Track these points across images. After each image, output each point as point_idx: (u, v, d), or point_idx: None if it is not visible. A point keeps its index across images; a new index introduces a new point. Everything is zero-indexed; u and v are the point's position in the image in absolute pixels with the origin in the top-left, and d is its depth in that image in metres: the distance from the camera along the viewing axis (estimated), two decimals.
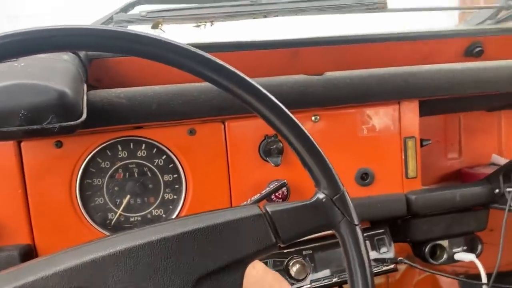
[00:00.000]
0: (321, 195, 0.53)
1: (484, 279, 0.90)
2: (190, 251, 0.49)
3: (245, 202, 0.78)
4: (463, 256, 0.95)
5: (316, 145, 0.52)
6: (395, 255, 0.93)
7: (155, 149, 0.82)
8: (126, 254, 0.48)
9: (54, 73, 0.68)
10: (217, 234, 0.50)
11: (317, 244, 0.89)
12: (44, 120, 0.65)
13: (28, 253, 0.76)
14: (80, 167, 0.79)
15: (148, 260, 0.49)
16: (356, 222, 0.53)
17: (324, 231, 0.54)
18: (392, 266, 0.92)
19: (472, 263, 0.95)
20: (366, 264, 0.53)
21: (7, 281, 0.47)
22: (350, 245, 0.53)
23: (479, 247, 0.99)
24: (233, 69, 0.50)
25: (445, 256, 0.97)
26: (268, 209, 0.53)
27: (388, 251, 0.92)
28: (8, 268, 0.52)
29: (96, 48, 0.45)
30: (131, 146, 0.82)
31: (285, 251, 0.88)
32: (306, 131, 0.52)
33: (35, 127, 0.64)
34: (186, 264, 0.49)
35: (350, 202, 0.53)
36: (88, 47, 0.46)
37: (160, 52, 0.47)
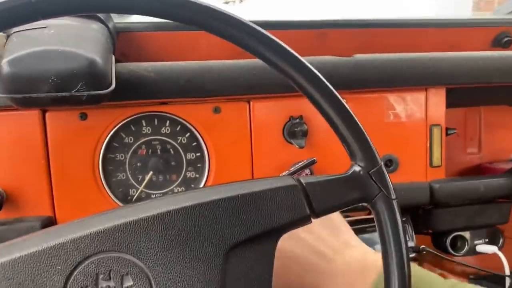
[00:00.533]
0: (357, 168, 0.52)
1: (507, 270, 0.88)
2: (224, 218, 0.48)
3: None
4: (485, 248, 0.94)
5: (355, 117, 0.51)
6: (416, 244, 0.91)
7: (179, 126, 0.82)
8: (159, 219, 0.47)
9: (85, 41, 0.68)
10: (252, 202, 0.49)
11: None
12: (73, 88, 0.64)
13: (49, 225, 0.76)
14: (104, 141, 0.78)
15: (181, 226, 0.48)
16: (393, 197, 0.51)
17: (358, 204, 0.53)
18: (413, 255, 0.90)
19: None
20: (402, 240, 0.51)
21: (38, 242, 0.46)
22: (386, 220, 0.51)
23: (501, 240, 0.97)
24: (276, 39, 0.49)
25: (466, 247, 0.95)
26: (302, 180, 0.51)
27: (409, 240, 0.90)
28: (39, 231, 0.51)
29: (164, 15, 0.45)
30: (155, 122, 0.81)
31: None
32: (344, 102, 0.51)
33: (63, 94, 0.64)
34: (220, 231, 0.48)
35: (388, 176, 0.52)
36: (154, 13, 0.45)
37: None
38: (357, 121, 0.51)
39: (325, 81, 0.50)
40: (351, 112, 0.51)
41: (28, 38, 0.66)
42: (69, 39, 0.67)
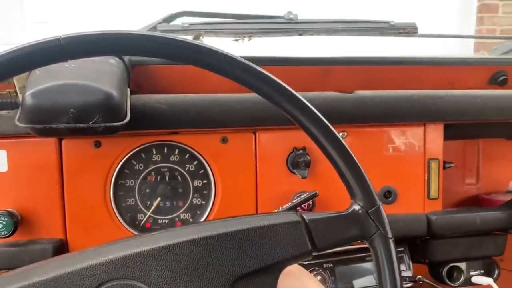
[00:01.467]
0: (356, 207, 0.55)
1: None
2: (230, 251, 0.52)
3: (276, 210, 0.80)
4: (481, 280, 0.96)
5: (355, 158, 0.54)
6: (413, 274, 0.94)
7: (187, 155, 0.85)
8: (169, 250, 0.51)
9: (102, 75, 0.72)
10: (257, 236, 0.52)
11: (338, 258, 0.91)
12: (90, 120, 0.68)
13: (61, 248, 0.79)
14: (116, 167, 0.82)
15: (190, 257, 0.51)
16: (390, 236, 0.55)
17: (356, 241, 0.56)
18: (410, 284, 0.93)
19: None
20: (397, 277, 0.54)
21: (56, 268, 0.49)
22: (382, 258, 0.54)
23: (496, 271, 1.00)
24: (276, 79, 0.52)
25: (462, 278, 0.98)
26: (305, 217, 0.55)
27: (406, 270, 0.93)
28: (55, 257, 0.54)
29: (169, 57, 0.49)
30: (165, 151, 0.85)
31: (306, 262, 0.89)
32: (345, 144, 0.54)
33: (81, 125, 0.68)
34: (226, 263, 0.51)
35: (385, 216, 0.55)
36: (158, 55, 0.50)
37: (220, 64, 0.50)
38: (357, 162, 0.54)
39: (325, 121, 0.54)
40: (351, 153, 0.54)
41: (49, 71, 0.70)
42: (88, 73, 0.71)
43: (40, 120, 0.67)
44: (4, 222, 0.74)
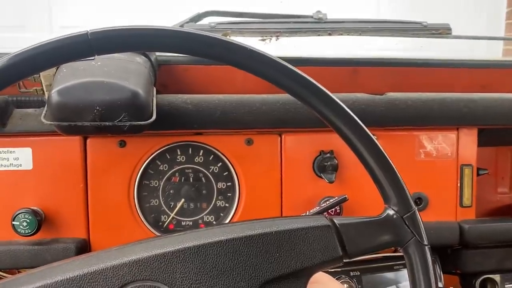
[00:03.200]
0: (391, 212, 0.52)
1: None
2: (257, 254, 0.50)
3: (304, 214, 0.78)
4: None
5: (390, 160, 0.52)
6: (444, 285, 0.90)
7: (212, 156, 0.84)
8: (195, 252, 0.49)
9: (129, 73, 0.71)
10: (285, 240, 0.50)
11: (365, 266, 0.87)
12: (116, 118, 0.67)
13: (84, 247, 0.78)
14: (140, 168, 0.81)
15: (216, 260, 0.49)
16: (426, 243, 0.52)
17: (389, 248, 0.54)
18: None
19: None
20: (433, 286, 0.51)
21: (79, 267, 0.48)
22: (417, 266, 0.52)
23: None
24: (312, 80, 0.51)
25: None
26: (336, 221, 0.52)
27: (438, 280, 0.89)
28: (79, 255, 0.53)
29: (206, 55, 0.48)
30: (190, 151, 0.83)
31: (332, 270, 0.86)
32: (380, 146, 0.52)
33: (107, 123, 0.67)
34: (253, 267, 0.49)
35: (421, 221, 0.52)
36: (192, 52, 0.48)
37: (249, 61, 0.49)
38: (393, 165, 0.52)
39: (360, 122, 0.52)
40: (387, 156, 0.52)
41: (76, 69, 0.70)
42: (115, 71, 0.70)
43: (66, 117, 0.67)
44: (28, 221, 0.74)
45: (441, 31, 0.90)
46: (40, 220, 0.76)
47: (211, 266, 0.49)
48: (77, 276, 0.47)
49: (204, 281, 0.48)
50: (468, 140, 0.89)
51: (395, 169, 0.52)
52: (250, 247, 0.49)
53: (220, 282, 0.49)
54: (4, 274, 0.82)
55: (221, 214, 0.85)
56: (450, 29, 0.92)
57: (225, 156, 0.83)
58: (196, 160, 0.84)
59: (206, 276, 0.49)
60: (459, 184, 0.89)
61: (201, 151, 0.84)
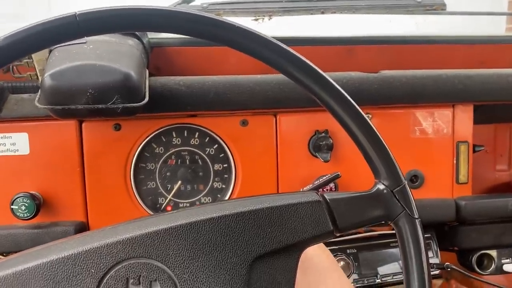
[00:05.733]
0: (381, 186, 0.53)
1: None
2: (249, 230, 0.50)
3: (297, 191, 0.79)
4: None
5: (379, 135, 0.52)
6: (441, 261, 0.91)
7: (207, 138, 0.84)
8: (187, 229, 0.50)
9: (121, 56, 0.71)
10: (277, 216, 0.51)
11: (362, 243, 0.88)
12: (109, 100, 0.68)
13: (82, 230, 0.79)
14: (136, 151, 0.81)
15: (208, 236, 0.50)
16: (416, 216, 0.52)
17: (380, 222, 0.54)
18: (437, 272, 0.90)
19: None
20: (424, 260, 0.52)
21: (74, 246, 0.49)
22: (408, 239, 0.52)
23: None
24: (300, 56, 0.50)
25: (493, 266, 0.94)
26: (326, 196, 0.53)
27: (434, 257, 0.90)
28: (73, 235, 0.54)
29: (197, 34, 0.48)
30: (185, 134, 0.84)
31: (329, 247, 0.87)
32: (369, 121, 0.52)
33: (100, 106, 0.68)
34: (244, 243, 0.50)
35: (411, 195, 0.52)
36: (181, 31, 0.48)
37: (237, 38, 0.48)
38: (382, 139, 0.52)
39: (349, 98, 0.52)
40: (376, 131, 0.52)
41: (68, 52, 0.70)
42: (106, 54, 0.70)
43: (59, 101, 0.67)
44: (26, 205, 0.75)
45: (436, 7, 0.89)
46: (38, 204, 0.76)
47: (204, 242, 0.49)
48: (72, 254, 0.48)
49: (197, 257, 0.49)
50: (464, 117, 0.89)
51: (384, 143, 0.52)
52: (242, 223, 0.50)
53: (213, 258, 0.49)
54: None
55: (218, 196, 0.86)
56: (444, 5, 0.90)
57: (221, 138, 0.84)
58: (192, 142, 0.84)
59: (199, 253, 0.49)
60: (455, 161, 0.89)
61: (197, 133, 0.84)
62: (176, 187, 0.84)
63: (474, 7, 1.02)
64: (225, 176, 0.85)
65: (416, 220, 0.52)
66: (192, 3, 0.93)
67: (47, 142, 0.78)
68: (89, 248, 0.48)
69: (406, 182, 0.53)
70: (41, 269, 0.47)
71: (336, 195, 0.53)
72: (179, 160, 0.84)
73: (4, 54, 0.45)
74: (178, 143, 0.84)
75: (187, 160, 0.84)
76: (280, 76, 0.81)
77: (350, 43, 0.89)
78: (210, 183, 0.85)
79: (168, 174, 0.84)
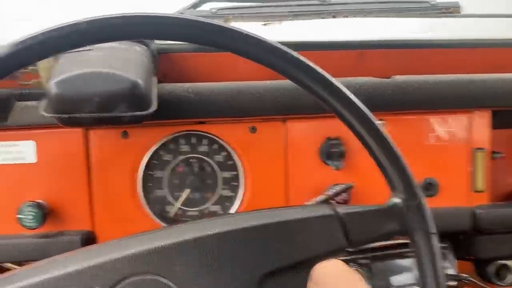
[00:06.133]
0: (397, 200, 0.50)
1: None
2: (257, 246, 0.48)
3: (309, 202, 0.77)
4: None
5: (395, 147, 0.50)
6: (457, 272, 0.88)
7: (216, 145, 0.83)
8: (194, 244, 0.48)
9: (128, 63, 0.70)
10: (286, 231, 0.49)
11: (375, 253, 0.86)
12: (115, 109, 0.66)
13: (89, 239, 0.78)
14: (144, 158, 0.80)
15: (215, 252, 0.48)
16: (433, 231, 0.50)
17: (395, 236, 0.52)
18: (454, 283, 0.87)
19: None
20: (441, 276, 0.50)
21: (78, 261, 0.48)
22: (425, 255, 0.50)
23: None
24: (310, 63, 0.49)
25: (510, 277, 0.91)
26: (339, 210, 0.51)
27: (450, 267, 0.87)
28: (78, 249, 0.53)
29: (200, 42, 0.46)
30: (193, 141, 0.82)
31: (341, 258, 0.85)
32: (385, 132, 0.50)
33: (106, 114, 0.66)
34: (253, 259, 0.48)
35: (428, 210, 0.50)
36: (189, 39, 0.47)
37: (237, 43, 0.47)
38: (398, 151, 0.50)
39: (363, 108, 0.50)
40: (392, 143, 0.50)
41: (74, 60, 0.69)
42: (113, 61, 0.69)
43: (65, 109, 0.66)
44: (33, 214, 0.74)
45: (451, 10, 0.87)
46: (45, 213, 0.75)
47: (211, 258, 0.48)
48: (76, 270, 0.47)
49: (203, 273, 0.48)
50: (481, 123, 0.86)
51: (401, 155, 0.50)
52: (250, 239, 0.48)
53: (220, 275, 0.48)
54: (14, 266, 0.82)
55: (227, 204, 0.84)
56: (459, 7, 0.88)
57: (229, 145, 0.82)
58: (200, 149, 0.83)
59: (206, 269, 0.48)
60: (471, 169, 0.86)
61: (205, 140, 0.82)
62: (184, 195, 0.83)
63: (490, 9, 0.99)
64: (234, 183, 0.84)
65: (433, 236, 0.50)
66: (200, 8, 0.91)
67: (54, 150, 0.77)
68: (94, 263, 0.47)
69: (423, 196, 0.51)
70: (44, 285, 0.46)
71: (349, 209, 0.51)
72: (188, 168, 0.83)
73: (8, 62, 0.44)
74: (187, 150, 0.82)
75: (196, 168, 0.83)
76: (289, 82, 0.78)
77: (361, 47, 0.86)
78: (219, 191, 0.84)
79: (176, 182, 0.83)
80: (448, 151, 0.85)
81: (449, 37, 0.91)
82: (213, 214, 0.83)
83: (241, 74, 0.83)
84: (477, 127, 0.86)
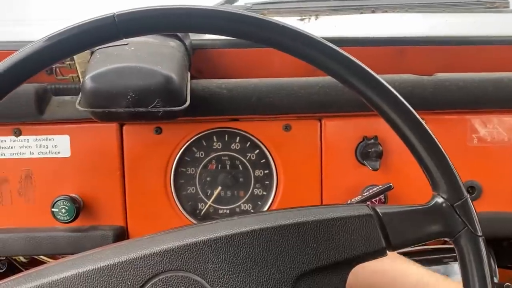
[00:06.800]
0: (439, 200, 0.48)
1: None
2: (293, 245, 0.47)
3: (345, 203, 0.74)
4: None
5: (439, 144, 0.47)
6: (499, 280, 0.84)
7: (248, 143, 0.81)
8: (227, 241, 0.47)
9: (162, 58, 0.69)
10: (323, 230, 0.47)
11: (412, 258, 0.82)
12: (149, 104, 0.66)
13: (121, 235, 0.78)
14: (177, 155, 0.79)
15: (249, 250, 0.46)
16: (479, 233, 0.47)
17: (438, 239, 0.49)
18: None
19: None
20: (489, 282, 0.46)
21: (110, 257, 0.47)
22: (470, 259, 0.47)
23: None
24: (354, 59, 0.47)
25: None
26: (378, 210, 0.48)
27: (493, 276, 0.83)
28: (110, 244, 0.52)
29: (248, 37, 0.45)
30: (226, 138, 0.81)
31: None
32: (428, 129, 0.47)
33: (140, 109, 0.66)
34: (288, 258, 0.46)
35: (474, 210, 0.47)
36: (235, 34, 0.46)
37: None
38: (442, 149, 0.47)
39: (405, 103, 0.47)
40: (435, 139, 0.47)
41: (109, 55, 0.69)
42: (148, 56, 0.69)
43: (100, 104, 0.66)
44: (66, 208, 0.74)
45: (497, 5, 0.82)
46: (78, 207, 0.76)
47: (244, 256, 0.46)
48: (108, 265, 0.46)
49: (237, 272, 0.46)
50: None
51: (444, 153, 0.47)
52: (286, 237, 0.46)
53: (254, 274, 0.46)
54: (46, 259, 0.83)
55: (259, 203, 0.82)
56: (508, 2, 0.83)
57: (262, 143, 0.80)
58: (233, 147, 0.81)
59: (239, 267, 0.46)
60: None
61: (238, 138, 0.81)
62: (216, 192, 0.82)
63: None
64: (266, 182, 0.82)
65: (480, 238, 0.47)
66: (236, 3, 0.90)
67: (88, 145, 0.77)
68: (125, 259, 0.46)
69: (468, 196, 0.48)
70: (77, 280, 0.45)
71: (389, 209, 0.49)
72: (220, 165, 0.82)
73: (41, 57, 0.44)
74: (219, 147, 0.81)
75: (228, 165, 0.82)
76: (325, 79, 0.77)
77: (402, 44, 0.83)
78: (251, 190, 0.82)
79: (208, 179, 0.82)
80: (492, 153, 0.81)
81: (495, 33, 0.86)
82: (244, 213, 0.82)
83: (276, 70, 0.82)
84: None
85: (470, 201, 0.48)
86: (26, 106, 0.74)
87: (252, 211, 0.82)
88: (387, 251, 0.48)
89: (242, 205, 0.83)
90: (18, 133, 0.77)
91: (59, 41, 0.44)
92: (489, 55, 0.87)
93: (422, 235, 0.48)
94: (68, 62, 0.74)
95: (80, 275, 0.45)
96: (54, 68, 0.77)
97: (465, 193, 0.47)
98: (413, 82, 0.77)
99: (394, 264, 0.56)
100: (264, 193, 0.82)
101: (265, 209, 0.81)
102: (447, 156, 0.47)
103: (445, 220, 0.47)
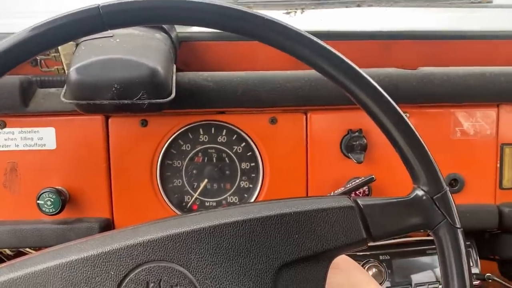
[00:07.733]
0: (420, 192, 0.49)
1: None
2: (275, 236, 0.47)
3: (328, 195, 0.75)
4: None
5: (419, 137, 0.48)
6: (480, 271, 0.85)
7: (235, 136, 0.81)
8: (210, 232, 0.47)
9: (148, 50, 0.69)
10: (305, 221, 0.48)
11: (395, 250, 0.84)
12: (134, 96, 0.66)
13: (107, 227, 0.78)
14: (163, 147, 0.80)
15: (232, 240, 0.47)
16: (458, 225, 0.48)
17: (418, 231, 0.50)
18: (477, 282, 0.84)
19: None
20: (466, 273, 0.48)
21: (94, 247, 0.47)
22: (449, 250, 0.48)
23: None
24: (334, 51, 0.47)
25: None
26: (360, 202, 0.49)
27: (474, 266, 0.84)
28: (94, 235, 0.53)
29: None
30: (212, 131, 0.81)
31: (361, 253, 0.83)
32: (409, 122, 0.48)
33: (125, 101, 0.66)
34: (270, 249, 0.47)
35: (453, 202, 0.48)
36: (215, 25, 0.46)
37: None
38: (422, 142, 0.48)
39: (386, 96, 0.48)
40: (416, 132, 0.48)
41: (94, 46, 0.69)
42: (133, 48, 0.69)
43: (84, 96, 0.66)
44: (52, 200, 0.74)
45: (481, 0, 0.83)
46: (64, 200, 0.76)
47: (228, 247, 0.47)
48: (91, 255, 0.46)
49: (220, 262, 0.47)
50: (510, 117, 0.83)
51: (424, 146, 0.48)
52: (268, 228, 0.47)
53: (237, 264, 0.47)
54: (31, 251, 0.83)
55: (245, 195, 0.83)
56: None
57: (249, 136, 0.81)
58: (219, 140, 0.82)
59: (222, 258, 0.47)
60: (498, 165, 0.83)
61: (224, 131, 0.81)
62: (202, 185, 0.82)
63: None
64: (253, 175, 0.83)
65: (458, 230, 0.48)
66: None
67: (73, 137, 0.77)
68: (109, 249, 0.46)
69: (447, 189, 0.49)
70: (60, 270, 0.45)
71: (370, 201, 0.50)
72: (206, 158, 0.82)
73: (23, 49, 0.44)
74: (205, 140, 0.81)
75: (214, 158, 0.82)
76: (311, 72, 0.77)
77: (387, 38, 0.84)
78: (237, 182, 0.83)
79: (194, 172, 0.82)
80: (475, 146, 0.83)
81: (478, 28, 0.87)
82: (231, 205, 0.83)
83: (262, 64, 0.82)
84: (505, 121, 0.83)
85: (449, 193, 0.48)
86: (11, 98, 0.74)
87: (238, 203, 0.83)
88: (368, 242, 0.49)
89: (228, 197, 0.83)
90: (2, 125, 0.76)
91: (43, 32, 0.44)
92: (472, 50, 0.88)
93: (403, 227, 0.49)
94: (53, 54, 0.74)
95: (64, 265, 0.45)
96: (39, 60, 0.77)
97: (445, 185, 0.48)
98: (397, 76, 0.78)
99: (349, 277, 0.56)
100: (251, 185, 0.83)
101: (252, 201, 0.82)
102: (427, 149, 0.48)
103: (425, 212, 0.48)
